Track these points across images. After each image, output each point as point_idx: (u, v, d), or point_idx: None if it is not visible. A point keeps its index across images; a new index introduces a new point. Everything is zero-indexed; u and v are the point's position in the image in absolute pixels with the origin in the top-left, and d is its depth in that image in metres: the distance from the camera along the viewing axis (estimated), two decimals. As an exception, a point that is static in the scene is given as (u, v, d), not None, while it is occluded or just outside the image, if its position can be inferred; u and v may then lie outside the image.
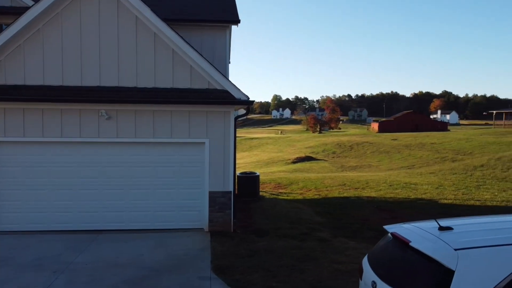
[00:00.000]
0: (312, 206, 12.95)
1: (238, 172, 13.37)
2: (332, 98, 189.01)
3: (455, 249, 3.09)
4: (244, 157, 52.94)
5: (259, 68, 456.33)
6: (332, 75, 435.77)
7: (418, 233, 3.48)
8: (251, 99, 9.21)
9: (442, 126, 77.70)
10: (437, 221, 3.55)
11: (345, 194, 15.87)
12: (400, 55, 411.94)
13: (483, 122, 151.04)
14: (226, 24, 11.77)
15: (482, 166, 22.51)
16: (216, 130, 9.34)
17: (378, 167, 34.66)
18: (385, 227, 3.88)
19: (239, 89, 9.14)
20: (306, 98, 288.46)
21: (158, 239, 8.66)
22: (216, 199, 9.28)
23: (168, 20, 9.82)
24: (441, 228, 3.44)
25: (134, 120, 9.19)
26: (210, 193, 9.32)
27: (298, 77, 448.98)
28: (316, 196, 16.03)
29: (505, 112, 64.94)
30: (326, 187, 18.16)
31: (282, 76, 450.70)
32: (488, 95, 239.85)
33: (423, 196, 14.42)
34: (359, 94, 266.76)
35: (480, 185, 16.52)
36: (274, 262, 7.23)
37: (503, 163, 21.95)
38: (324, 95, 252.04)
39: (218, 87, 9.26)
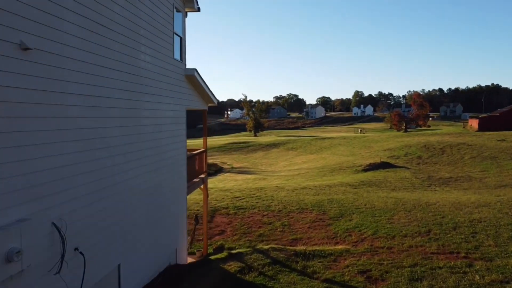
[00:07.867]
0: None
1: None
2: (420, 92, 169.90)
3: None
4: (311, 160, 45.21)
5: (337, 63, 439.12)
6: (420, 68, 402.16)
7: None
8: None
9: None
10: None
11: None
12: (498, 42, 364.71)
13: None
14: None
15: None
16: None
17: (482, 181, 24.81)
18: None
19: None
20: (390, 94, 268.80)
21: None
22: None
23: None
24: None
25: None
26: None
27: (382, 72, 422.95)
28: (358, 280, 7.87)
29: None
30: (390, 239, 10.11)
31: (363, 72, 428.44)
32: None
33: None
34: (452, 88, 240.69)
35: None
36: None
37: None
38: (411, 90, 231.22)
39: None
